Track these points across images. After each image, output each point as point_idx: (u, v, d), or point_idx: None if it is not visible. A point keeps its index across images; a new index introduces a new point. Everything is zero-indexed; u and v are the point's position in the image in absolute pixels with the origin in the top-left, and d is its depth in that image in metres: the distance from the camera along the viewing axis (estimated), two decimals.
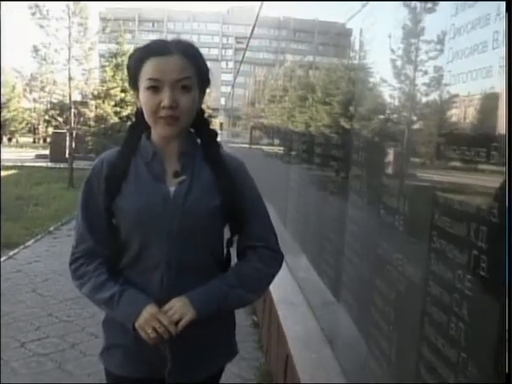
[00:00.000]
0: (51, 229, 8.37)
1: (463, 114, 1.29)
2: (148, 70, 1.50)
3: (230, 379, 3.47)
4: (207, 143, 1.64)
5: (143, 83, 1.51)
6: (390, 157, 1.90)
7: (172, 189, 1.55)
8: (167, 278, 1.54)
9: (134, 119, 1.71)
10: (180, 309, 1.49)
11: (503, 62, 1.03)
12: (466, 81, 1.21)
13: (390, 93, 1.93)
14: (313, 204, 3.27)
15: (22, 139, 44.47)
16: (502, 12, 1.04)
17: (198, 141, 1.65)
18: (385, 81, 2.00)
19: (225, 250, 1.67)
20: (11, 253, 6.90)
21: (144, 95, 1.51)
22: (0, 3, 20.25)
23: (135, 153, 1.61)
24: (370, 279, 1.92)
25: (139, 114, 1.63)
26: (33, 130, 47.46)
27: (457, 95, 1.32)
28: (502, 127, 1.07)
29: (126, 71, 1.64)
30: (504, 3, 1.01)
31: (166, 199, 1.54)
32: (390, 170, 1.92)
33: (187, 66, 1.50)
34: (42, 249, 7.12)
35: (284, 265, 3.94)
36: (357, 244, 2.22)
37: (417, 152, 1.66)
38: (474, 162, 1.19)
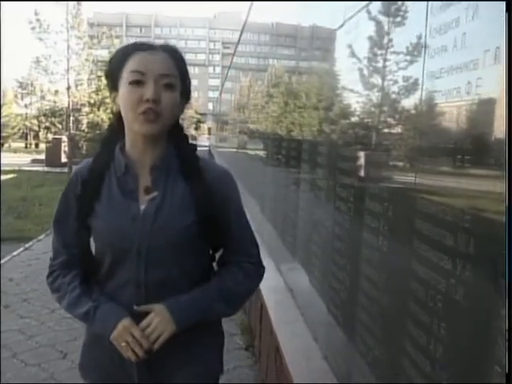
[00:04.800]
0: None
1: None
2: (132, 64, 1.44)
3: None
4: (184, 156, 1.57)
5: (125, 77, 1.44)
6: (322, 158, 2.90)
7: (142, 207, 1.50)
8: (136, 297, 1.51)
9: (106, 133, 1.65)
10: (159, 325, 1.46)
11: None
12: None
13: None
14: (279, 192, 4.27)
15: (14, 144, 45.14)
16: None
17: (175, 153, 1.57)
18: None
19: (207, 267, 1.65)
20: (27, 245, 7.89)
21: (125, 90, 1.44)
22: (0, 4, 20.72)
23: (109, 167, 1.55)
24: (309, 237, 2.94)
25: (113, 126, 1.61)
26: (25, 136, 48.02)
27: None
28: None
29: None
30: (504, 3, 1.03)
31: (136, 218, 1.49)
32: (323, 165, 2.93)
33: (172, 66, 1.47)
34: None
35: (260, 239, 4.87)
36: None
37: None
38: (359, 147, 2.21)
